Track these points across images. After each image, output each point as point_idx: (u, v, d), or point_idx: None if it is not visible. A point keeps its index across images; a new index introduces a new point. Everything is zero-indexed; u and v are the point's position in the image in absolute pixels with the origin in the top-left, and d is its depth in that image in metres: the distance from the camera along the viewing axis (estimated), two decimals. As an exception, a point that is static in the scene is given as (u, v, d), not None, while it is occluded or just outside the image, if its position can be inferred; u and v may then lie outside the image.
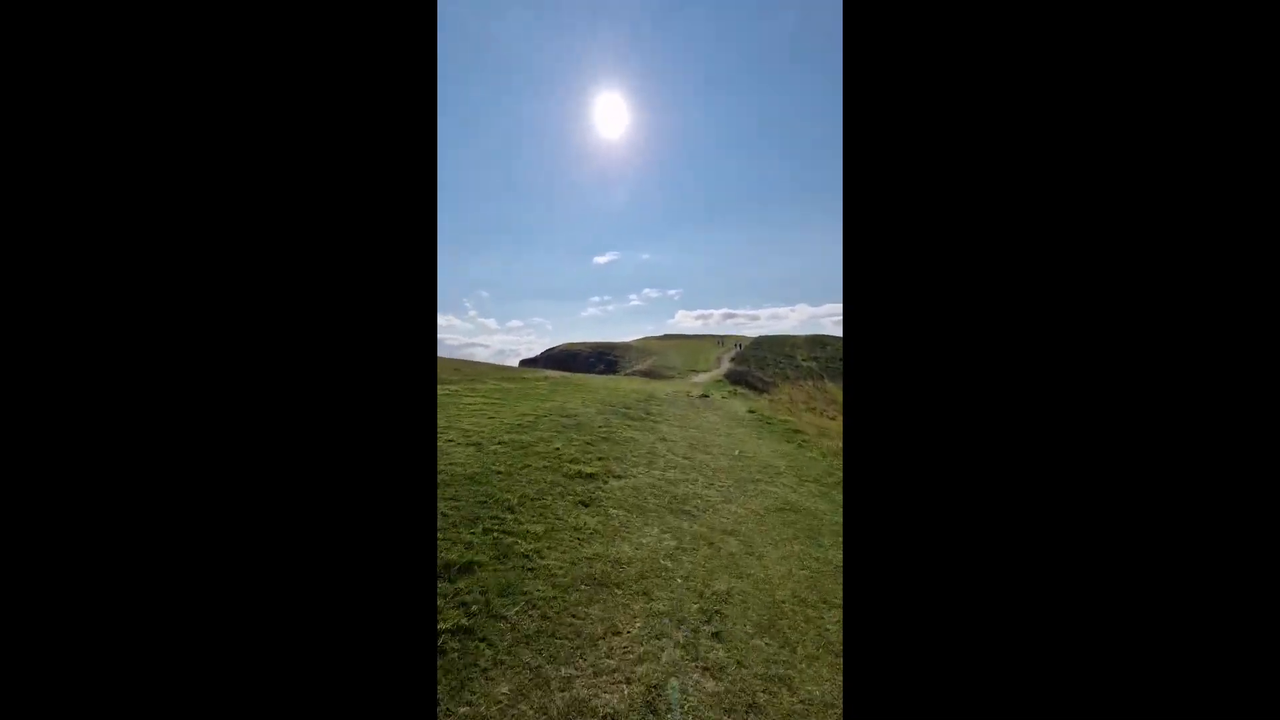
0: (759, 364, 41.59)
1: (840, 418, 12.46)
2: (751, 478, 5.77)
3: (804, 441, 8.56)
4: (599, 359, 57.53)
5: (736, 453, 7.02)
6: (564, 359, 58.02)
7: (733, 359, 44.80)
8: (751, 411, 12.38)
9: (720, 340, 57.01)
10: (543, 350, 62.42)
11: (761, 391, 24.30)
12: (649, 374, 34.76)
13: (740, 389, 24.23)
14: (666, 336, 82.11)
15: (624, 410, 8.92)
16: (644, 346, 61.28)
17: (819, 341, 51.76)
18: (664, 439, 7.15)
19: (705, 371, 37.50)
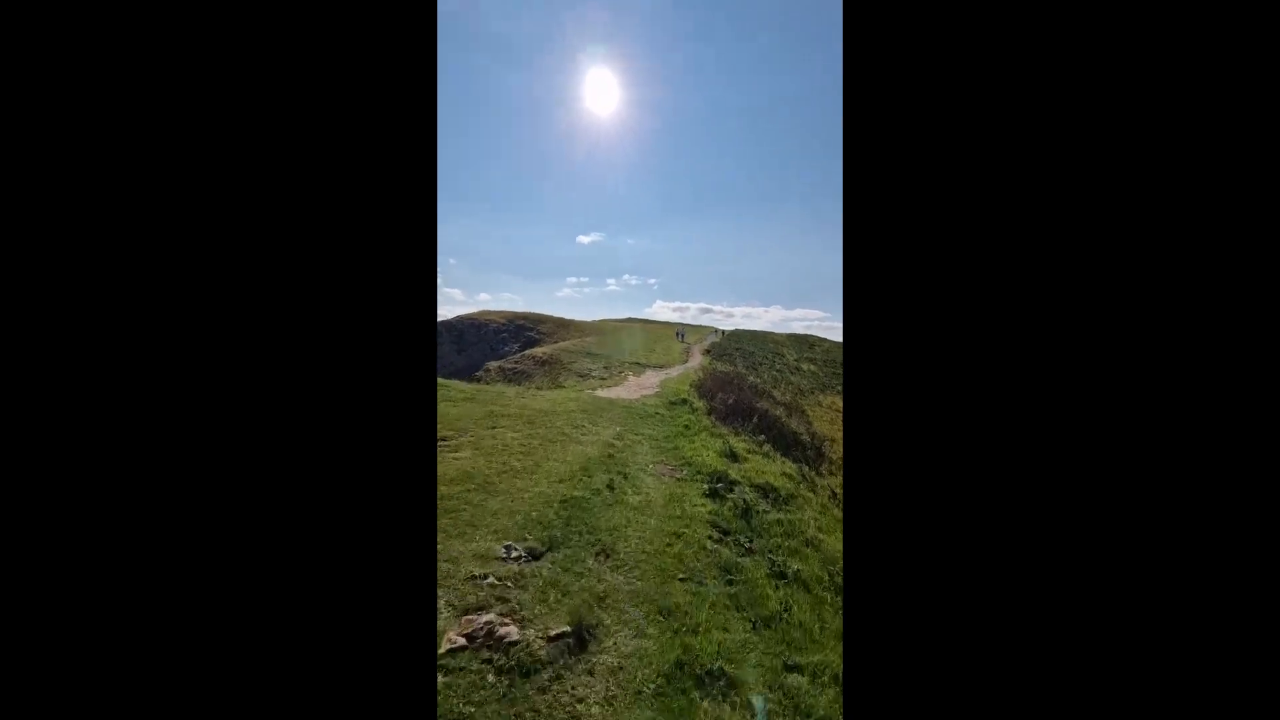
0: (748, 362, 27.25)
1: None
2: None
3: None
4: (516, 334, 41.98)
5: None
6: (465, 331, 42.52)
7: (707, 350, 30.91)
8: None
9: (680, 332, 41.63)
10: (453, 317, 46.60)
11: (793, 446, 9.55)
12: (552, 362, 19.54)
13: (746, 435, 9.25)
14: (629, 319, 69.51)
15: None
16: (598, 328, 46.05)
17: (805, 341, 46.31)
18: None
19: (664, 367, 22.08)
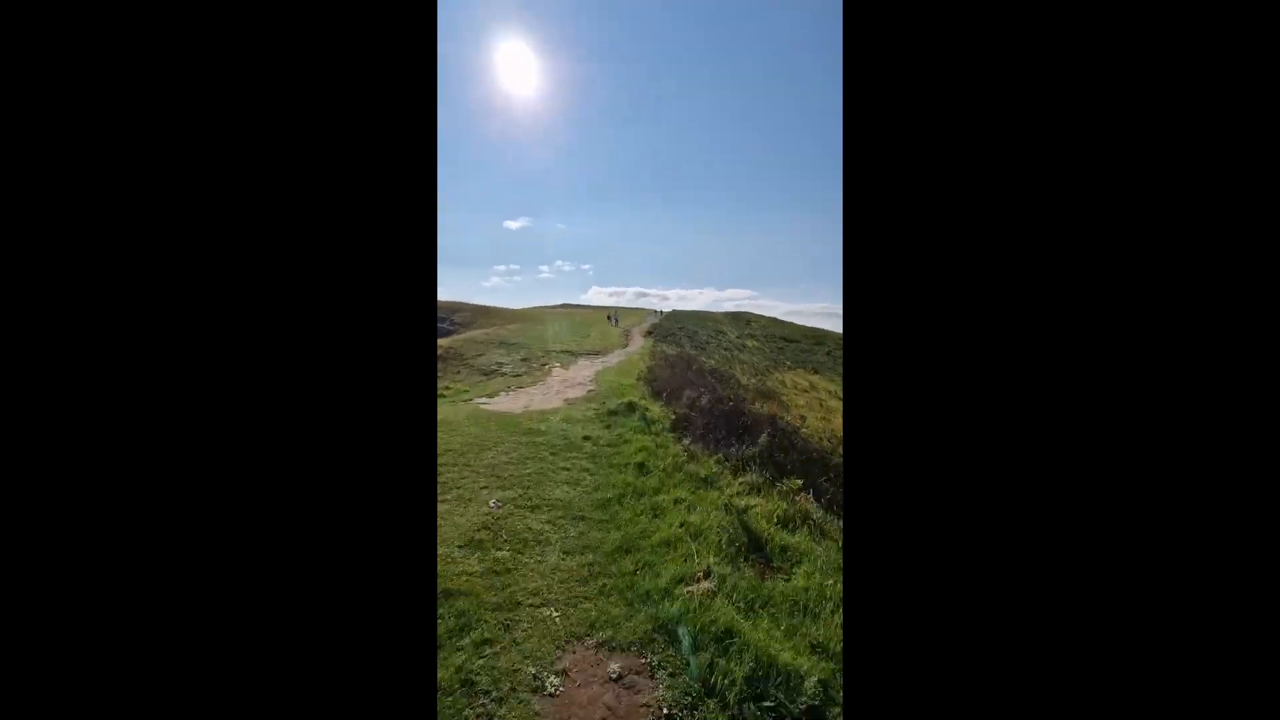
0: (693, 342, 23.60)
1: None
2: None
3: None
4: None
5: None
6: None
7: (648, 332, 27.13)
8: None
9: (612, 315, 37.27)
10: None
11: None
12: (450, 357, 14.78)
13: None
14: (563, 305, 65.09)
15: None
16: (525, 315, 40.85)
17: (741, 318, 44.47)
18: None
19: (600, 353, 17.80)
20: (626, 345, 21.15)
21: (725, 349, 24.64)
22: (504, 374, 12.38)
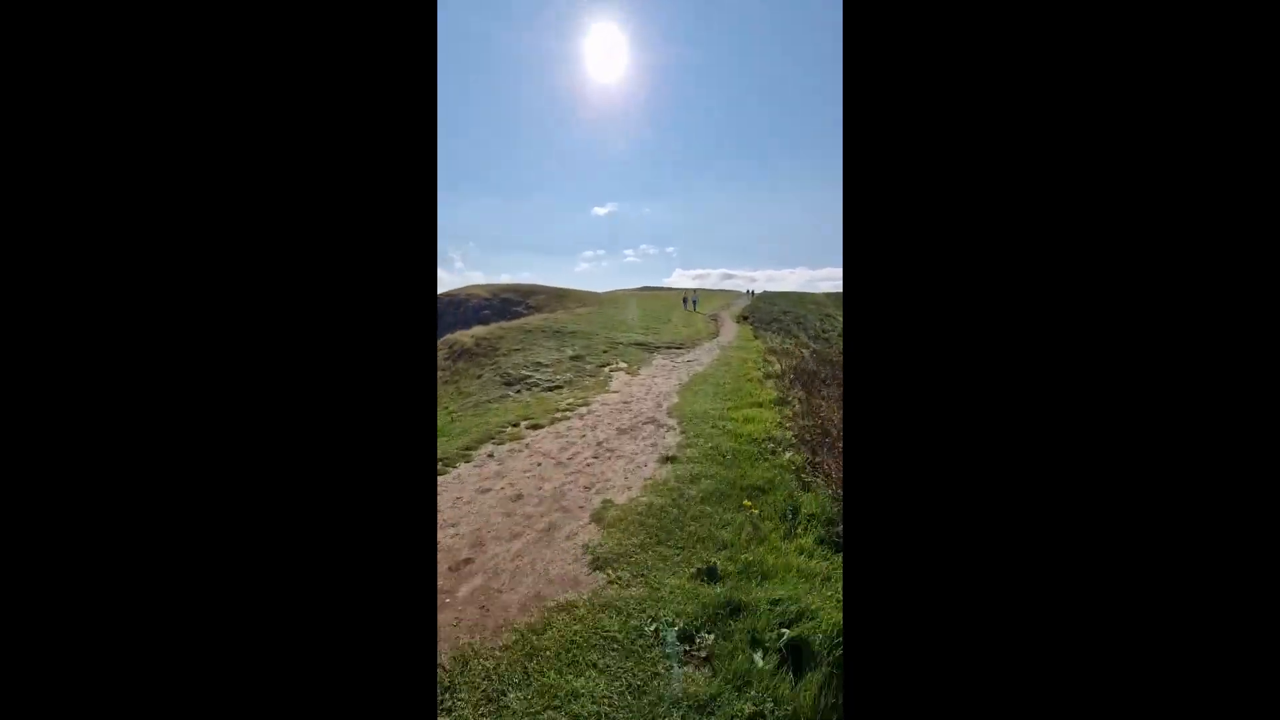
0: (805, 330, 18.03)
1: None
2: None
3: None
4: (502, 310, 33.40)
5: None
6: (442, 312, 34.22)
7: (743, 317, 21.94)
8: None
9: (689, 298, 31.28)
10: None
11: None
12: (478, 353, 10.49)
13: None
14: (644, 289, 61.68)
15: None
16: (604, 298, 37.06)
17: (838, 298, 38.15)
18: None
19: (683, 347, 12.81)
20: (716, 334, 16.22)
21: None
22: (536, 384, 7.88)
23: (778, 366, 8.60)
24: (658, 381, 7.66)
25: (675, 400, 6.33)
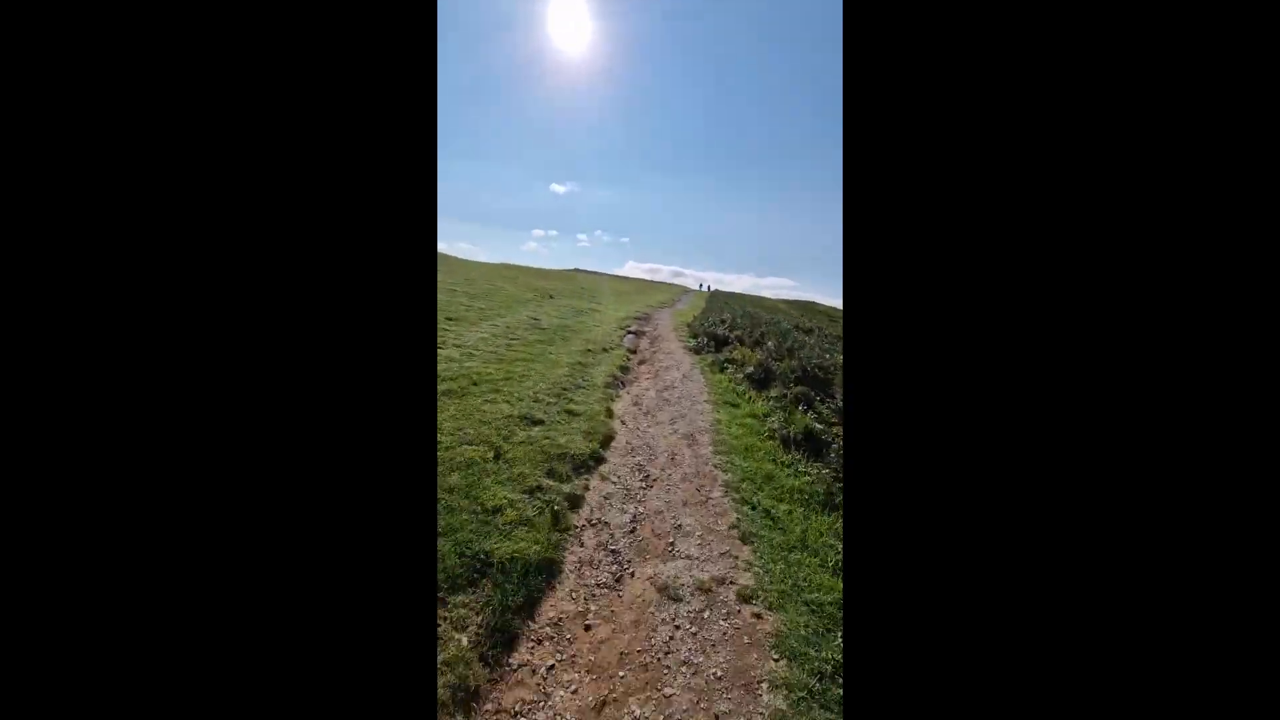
0: (780, 343, 10.20)
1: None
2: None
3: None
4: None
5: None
6: None
7: (695, 332, 13.98)
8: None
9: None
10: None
11: None
12: None
13: None
14: (577, 270, 55.11)
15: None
16: (496, 270, 28.69)
17: (810, 309, 37.54)
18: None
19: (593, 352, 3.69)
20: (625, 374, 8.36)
21: (828, 345, 11.38)
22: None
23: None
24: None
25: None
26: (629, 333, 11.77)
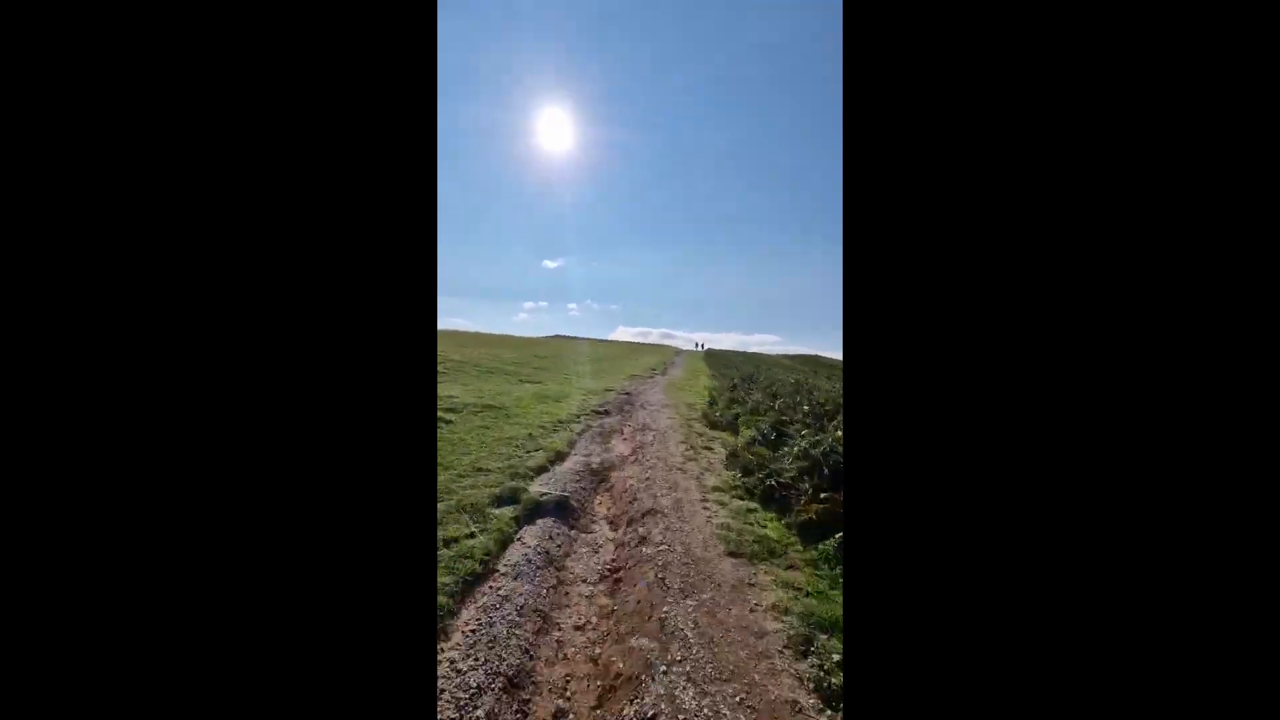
0: (811, 414, 7.06)
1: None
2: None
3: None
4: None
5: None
6: None
7: (711, 400, 11.19)
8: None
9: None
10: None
11: None
12: None
13: None
14: (557, 336, 55.44)
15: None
16: (495, 340, 27.06)
17: (814, 362, 35.03)
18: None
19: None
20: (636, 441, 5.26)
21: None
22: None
23: None
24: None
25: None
26: (572, 452, 5.31)
